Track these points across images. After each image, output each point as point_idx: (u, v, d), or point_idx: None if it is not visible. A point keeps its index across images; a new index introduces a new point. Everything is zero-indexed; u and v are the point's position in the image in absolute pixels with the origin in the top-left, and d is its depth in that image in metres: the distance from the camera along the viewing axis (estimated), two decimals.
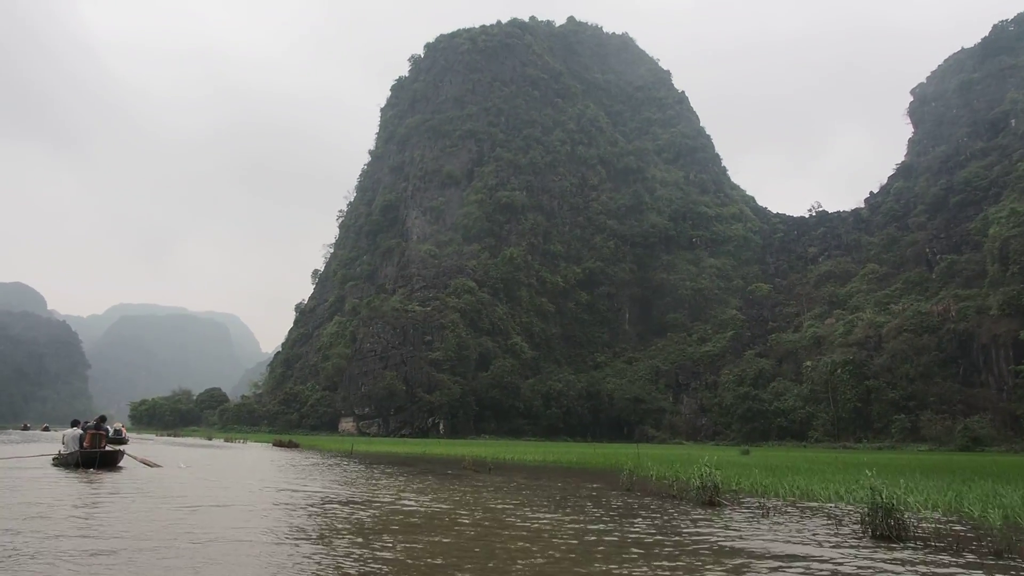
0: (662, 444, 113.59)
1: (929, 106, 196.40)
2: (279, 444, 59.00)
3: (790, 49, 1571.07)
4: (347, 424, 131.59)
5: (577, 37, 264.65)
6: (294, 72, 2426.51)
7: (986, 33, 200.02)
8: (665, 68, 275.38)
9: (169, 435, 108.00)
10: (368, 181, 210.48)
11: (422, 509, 11.79)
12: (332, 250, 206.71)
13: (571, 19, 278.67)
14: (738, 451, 44.12)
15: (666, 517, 11.83)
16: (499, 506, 11.80)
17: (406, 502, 12.52)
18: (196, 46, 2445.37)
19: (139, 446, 46.86)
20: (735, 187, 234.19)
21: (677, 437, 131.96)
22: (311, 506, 12.63)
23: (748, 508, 13.04)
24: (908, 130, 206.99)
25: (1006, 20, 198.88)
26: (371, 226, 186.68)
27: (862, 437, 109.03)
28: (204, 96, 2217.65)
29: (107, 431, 25.64)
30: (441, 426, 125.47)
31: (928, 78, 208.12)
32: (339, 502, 13.37)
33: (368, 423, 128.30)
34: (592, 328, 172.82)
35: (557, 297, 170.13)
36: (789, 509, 13.10)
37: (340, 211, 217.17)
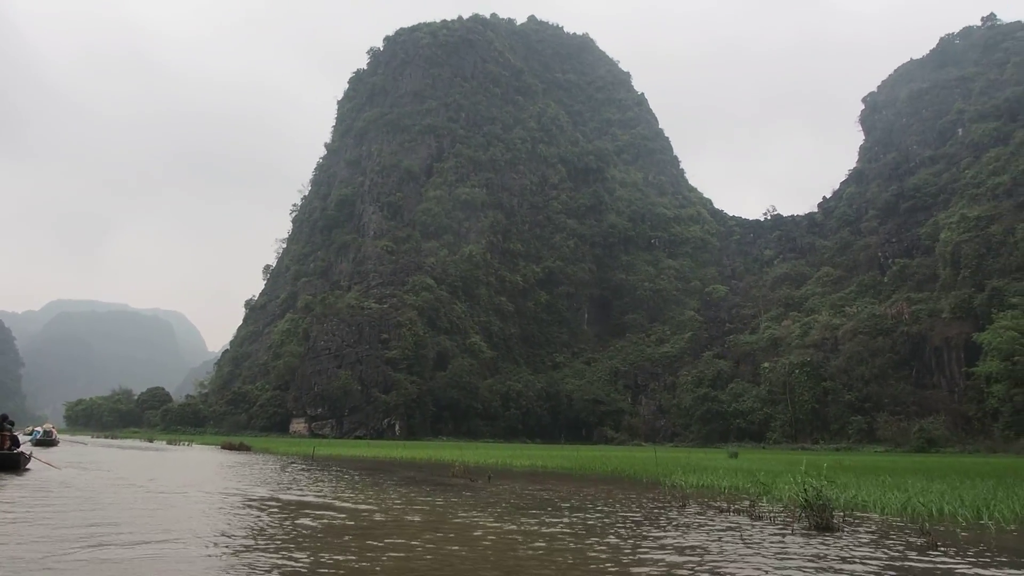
0: (622, 446, 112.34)
1: (880, 114, 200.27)
2: (228, 447, 55.24)
3: (741, 57, 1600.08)
4: (299, 425, 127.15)
5: (538, 36, 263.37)
6: (227, 56, 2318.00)
7: (934, 45, 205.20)
8: (625, 70, 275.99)
9: (106, 437, 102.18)
10: (323, 175, 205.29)
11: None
12: (285, 245, 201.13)
13: (532, 18, 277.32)
14: (725, 454, 42.50)
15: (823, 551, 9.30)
16: (573, 546, 9.22)
17: (484, 542, 9.56)
18: (115, 17, 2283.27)
19: (67, 449, 43.11)
20: (692, 189, 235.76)
21: (636, 439, 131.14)
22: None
23: (872, 531, 10.57)
24: (859, 137, 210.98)
25: (952, 33, 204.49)
26: (326, 221, 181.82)
27: (819, 438, 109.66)
28: (129, 72, 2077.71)
29: (9, 431, 22.86)
30: (397, 427, 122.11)
31: (879, 87, 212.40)
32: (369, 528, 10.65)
33: (321, 424, 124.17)
34: (551, 328, 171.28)
35: (516, 296, 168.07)
36: (910, 531, 10.66)
37: (294, 205, 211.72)
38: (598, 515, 12.54)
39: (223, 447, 55.95)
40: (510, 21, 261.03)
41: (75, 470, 23.45)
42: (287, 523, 10.78)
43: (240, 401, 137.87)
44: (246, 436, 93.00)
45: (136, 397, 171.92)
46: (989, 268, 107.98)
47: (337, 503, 13.86)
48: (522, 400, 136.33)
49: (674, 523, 11.46)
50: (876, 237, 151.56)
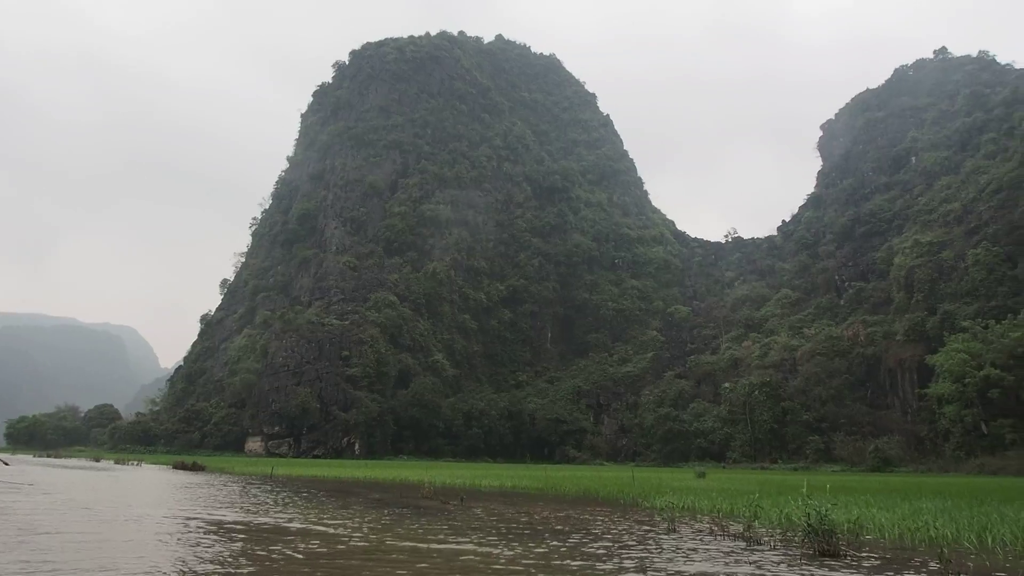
0: (584, 465, 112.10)
1: (837, 141, 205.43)
2: (181, 466, 53.30)
3: (701, 83, 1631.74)
4: (255, 444, 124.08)
5: (505, 55, 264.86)
6: (184, 62, 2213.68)
7: (889, 75, 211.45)
8: (591, 91, 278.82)
9: (49, 456, 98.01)
10: (285, 188, 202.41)
11: None
12: (243, 259, 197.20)
13: (499, 37, 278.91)
14: (691, 473, 42.21)
15: None
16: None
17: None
18: (65, 11, 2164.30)
19: (3, 470, 40.92)
20: (656, 211, 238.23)
21: (598, 458, 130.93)
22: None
23: (878, 556, 10.04)
24: (817, 163, 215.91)
25: (906, 65, 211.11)
26: (287, 235, 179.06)
27: (778, 458, 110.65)
28: (79, 72, 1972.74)
29: None
30: (357, 446, 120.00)
31: (836, 115, 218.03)
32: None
33: (278, 443, 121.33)
34: (514, 346, 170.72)
35: (480, 314, 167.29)
36: (917, 555, 10.13)
37: (253, 219, 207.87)
38: (590, 539, 11.97)
39: (175, 467, 54.01)
40: (478, 39, 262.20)
41: (12, 493, 21.94)
42: (261, 552, 9.95)
43: (194, 419, 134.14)
44: (199, 455, 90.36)
45: (83, 414, 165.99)
46: (941, 292, 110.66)
47: (314, 528, 13.03)
48: (485, 419, 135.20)
49: (673, 548, 10.94)
50: (833, 261, 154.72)
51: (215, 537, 11.58)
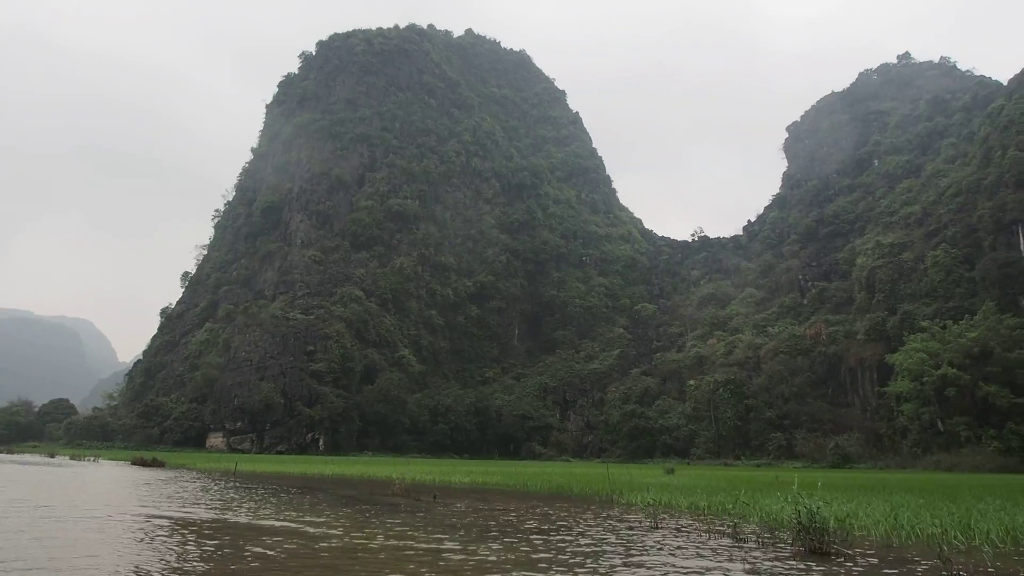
0: (550, 461, 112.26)
1: (802, 143, 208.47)
2: (140, 462, 51.85)
3: (669, 85, 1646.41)
4: (216, 439, 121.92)
5: (475, 50, 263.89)
6: (140, 43, 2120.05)
7: (854, 79, 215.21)
8: (560, 88, 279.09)
9: (0, 451, 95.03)
10: (249, 180, 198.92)
11: None
12: (205, 252, 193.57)
13: (469, 31, 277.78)
14: (660, 470, 42.29)
15: None
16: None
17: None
18: None
19: None
20: (624, 209, 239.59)
21: (564, 454, 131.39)
22: None
23: (872, 555, 9.80)
24: (783, 164, 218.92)
25: (870, 69, 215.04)
26: (251, 228, 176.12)
27: (741, 454, 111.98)
28: (24, 49, 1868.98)
29: None
30: (321, 442, 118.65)
31: (802, 117, 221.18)
32: None
33: (240, 439, 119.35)
34: (481, 343, 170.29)
35: (447, 310, 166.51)
36: (910, 553, 9.93)
37: (216, 211, 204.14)
38: (573, 537, 11.66)
39: (134, 463, 52.51)
40: (447, 33, 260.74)
41: None
42: (235, 552, 9.43)
43: (153, 414, 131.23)
44: (159, 451, 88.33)
45: (37, 409, 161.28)
46: (901, 293, 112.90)
47: (288, 526, 12.49)
48: (451, 415, 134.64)
49: (658, 546, 10.67)
50: (797, 261, 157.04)
51: (184, 536, 11.05)
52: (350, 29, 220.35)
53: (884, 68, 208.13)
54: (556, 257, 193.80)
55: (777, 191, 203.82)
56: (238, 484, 26.54)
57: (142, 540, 10.68)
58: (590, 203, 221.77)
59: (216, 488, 24.10)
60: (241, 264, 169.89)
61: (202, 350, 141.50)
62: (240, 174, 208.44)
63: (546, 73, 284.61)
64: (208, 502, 17.84)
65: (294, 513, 14.94)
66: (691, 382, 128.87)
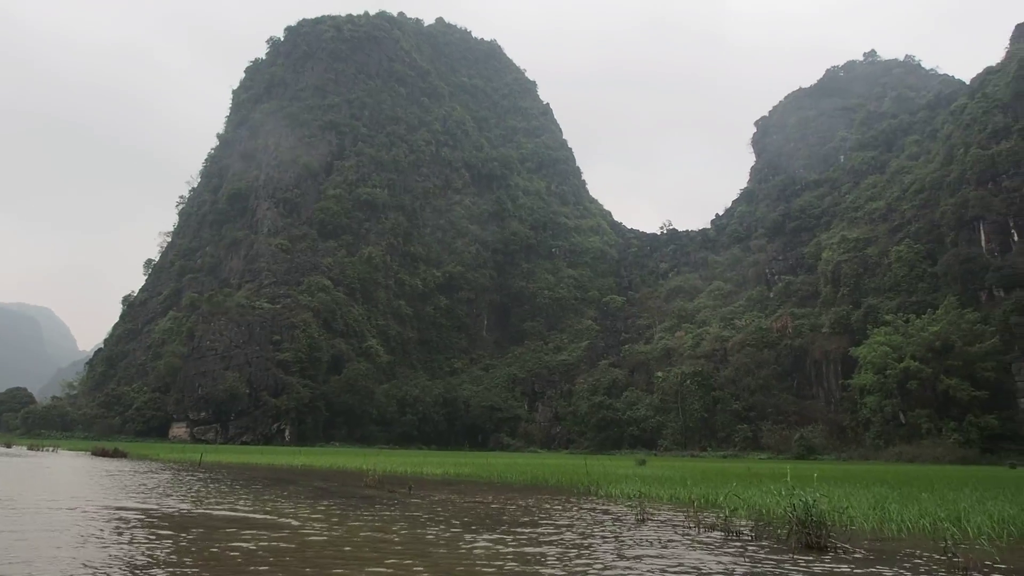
0: (518, 452, 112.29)
1: (770, 138, 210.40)
2: (101, 453, 50.51)
3: (639, 78, 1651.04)
4: (179, 430, 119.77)
5: (446, 39, 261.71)
6: (100, 22, 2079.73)
7: (821, 75, 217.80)
8: (531, 79, 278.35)
9: None
10: (215, 167, 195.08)
11: None
12: (170, 239, 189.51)
13: (440, 20, 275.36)
14: (631, 461, 42.29)
15: None
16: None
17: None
18: None
19: None
20: (593, 201, 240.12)
21: (532, 445, 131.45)
22: None
23: (870, 550, 9.45)
24: (751, 158, 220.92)
25: (837, 66, 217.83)
26: (216, 215, 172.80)
27: (707, 445, 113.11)
28: None
29: None
30: (287, 432, 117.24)
31: (770, 112, 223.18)
32: None
33: (204, 429, 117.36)
34: (450, 333, 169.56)
35: (415, 300, 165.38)
36: (907, 548, 9.65)
37: (181, 197, 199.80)
38: (557, 530, 11.33)
39: (94, 453, 51.13)
40: (418, 21, 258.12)
41: None
42: (216, 547, 8.91)
43: (114, 404, 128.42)
44: (120, 441, 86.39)
45: None
46: (866, 287, 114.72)
47: (266, 518, 11.97)
48: (419, 406, 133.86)
49: (648, 540, 10.36)
50: (764, 254, 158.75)
51: (162, 530, 10.49)
52: (319, 15, 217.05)
53: (850, 65, 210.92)
54: (525, 248, 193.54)
55: (745, 185, 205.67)
56: (207, 476, 25.82)
57: (120, 533, 10.11)
58: (560, 194, 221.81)
59: (185, 479, 23.37)
60: (206, 252, 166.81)
61: (165, 339, 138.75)
62: (206, 160, 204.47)
63: (517, 64, 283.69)
64: (180, 494, 17.20)
65: (271, 505, 14.42)
66: (659, 374, 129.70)
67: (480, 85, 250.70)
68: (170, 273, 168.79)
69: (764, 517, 12.50)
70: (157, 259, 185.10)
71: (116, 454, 49.41)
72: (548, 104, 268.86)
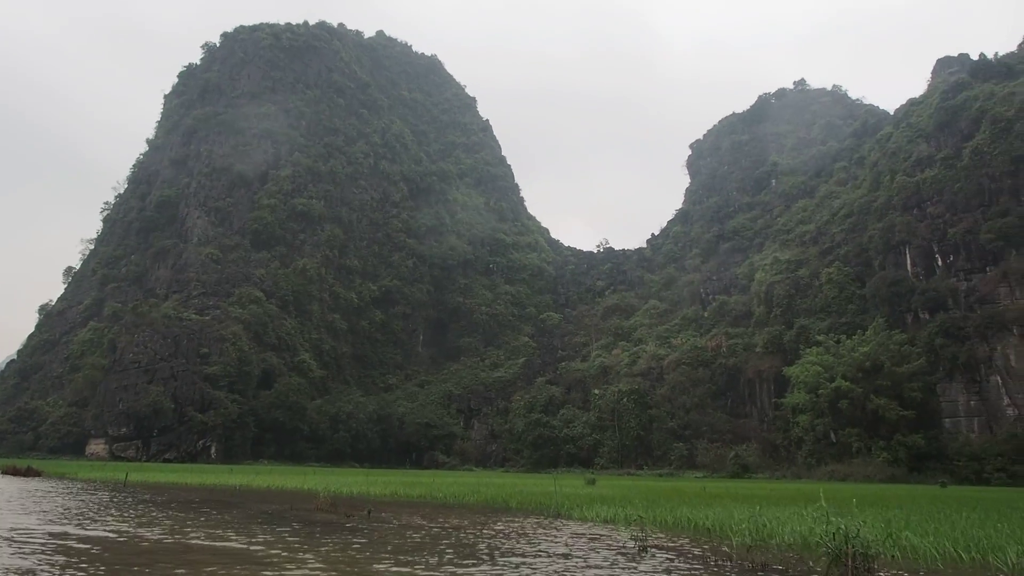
0: (453, 470, 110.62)
1: (705, 160, 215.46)
2: (12, 471, 46.77)
3: (576, 98, 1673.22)
4: (97, 446, 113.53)
5: (386, 52, 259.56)
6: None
7: (754, 101, 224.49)
8: (471, 95, 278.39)
9: None
10: (143, 173, 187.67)
11: None
12: (92, 246, 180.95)
13: (380, 33, 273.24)
14: (579, 479, 41.49)
15: None
16: None
17: None
18: None
19: None
20: (531, 218, 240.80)
21: (467, 463, 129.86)
22: None
23: None
24: (686, 180, 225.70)
25: (769, 93, 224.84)
26: (144, 223, 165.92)
27: (643, 464, 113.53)
28: None
29: None
30: (213, 449, 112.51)
31: (705, 135, 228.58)
32: None
33: (124, 446, 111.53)
34: (385, 348, 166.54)
35: (350, 314, 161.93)
36: None
37: (106, 203, 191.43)
38: (554, 560, 10.30)
39: (4, 471, 47.35)
40: (358, 33, 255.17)
41: None
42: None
43: (27, 418, 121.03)
44: (32, 459, 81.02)
45: None
46: (797, 307, 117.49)
47: (232, 546, 10.53)
48: (352, 422, 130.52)
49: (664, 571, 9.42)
50: (699, 274, 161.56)
51: (112, 560, 9.07)
52: (257, 22, 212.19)
53: (781, 93, 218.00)
54: (463, 264, 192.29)
55: (680, 206, 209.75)
56: (139, 497, 23.76)
57: (67, 564, 8.65)
58: (498, 211, 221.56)
59: (117, 501, 21.35)
60: (132, 260, 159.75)
61: (85, 350, 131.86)
62: (134, 166, 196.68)
63: (457, 79, 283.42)
64: (118, 517, 15.42)
65: (225, 532, 12.93)
66: (595, 391, 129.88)
67: (420, 99, 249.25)
68: (92, 282, 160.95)
69: (764, 542, 11.70)
70: (78, 267, 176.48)
71: (29, 472, 45.82)
72: (488, 120, 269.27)
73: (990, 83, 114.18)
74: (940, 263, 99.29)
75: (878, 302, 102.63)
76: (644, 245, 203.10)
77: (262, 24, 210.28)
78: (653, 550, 11.60)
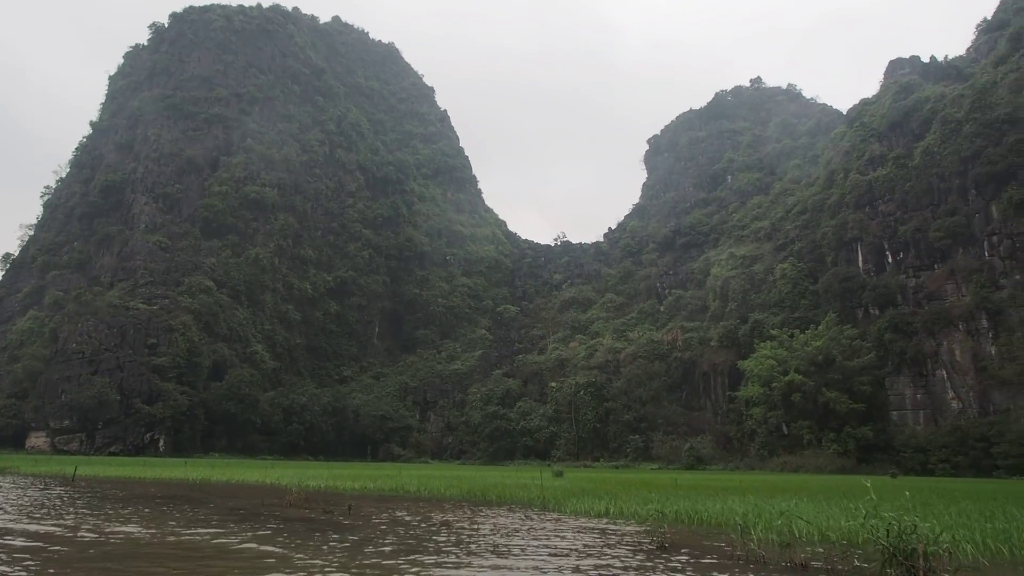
0: (409, 463, 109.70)
1: (662, 156, 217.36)
2: None
3: (534, 94, 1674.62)
4: (38, 439, 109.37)
5: (342, 38, 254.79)
6: None
7: (710, 98, 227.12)
8: (429, 85, 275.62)
9: None
10: (87, 156, 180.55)
11: None
12: (32, 232, 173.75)
13: (336, 19, 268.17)
14: (550, 473, 41.08)
15: None
16: None
17: None
18: None
19: None
20: (489, 210, 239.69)
21: (423, 456, 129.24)
22: None
23: None
24: (643, 175, 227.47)
25: (725, 90, 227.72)
26: (87, 208, 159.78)
27: (600, 456, 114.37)
28: None
29: None
30: (162, 442, 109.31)
31: (662, 131, 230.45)
32: None
33: (67, 439, 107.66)
34: (340, 340, 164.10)
35: (304, 305, 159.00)
36: None
37: (46, 187, 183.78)
38: (564, 558, 9.73)
39: None
40: (313, 18, 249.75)
41: None
42: None
43: None
44: None
45: None
46: (752, 302, 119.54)
47: (223, 543, 9.69)
48: (306, 414, 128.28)
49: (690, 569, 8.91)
50: (655, 269, 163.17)
51: (92, 559, 8.20)
52: (207, 3, 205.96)
53: (737, 90, 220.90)
54: (420, 255, 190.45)
55: (637, 201, 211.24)
56: (88, 493, 22.47)
57: (40, 564, 7.75)
58: (456, 202, 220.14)
59: (67, 497, 20.10)
60: (74, 247, 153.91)
61: (24, 340, 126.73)
62: (77, 149, 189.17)
63: (415, 68, 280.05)
64: (80, 514, 14.35)
65: (208, 530, 12.04)
66: (552, 384, 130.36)
67: (377, 88, 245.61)
68: (31, 269, 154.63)
69: (790, 538, 11.19)
70: (17, 253, 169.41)
71: None
72: (446, 111, 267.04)
73: (940, 85, 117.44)
74: (890, 260, 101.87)
75: (830, 297, 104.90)
76: (601, 239, 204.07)
77: (213, 5, 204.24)
78: (669, 548, 11.10)
